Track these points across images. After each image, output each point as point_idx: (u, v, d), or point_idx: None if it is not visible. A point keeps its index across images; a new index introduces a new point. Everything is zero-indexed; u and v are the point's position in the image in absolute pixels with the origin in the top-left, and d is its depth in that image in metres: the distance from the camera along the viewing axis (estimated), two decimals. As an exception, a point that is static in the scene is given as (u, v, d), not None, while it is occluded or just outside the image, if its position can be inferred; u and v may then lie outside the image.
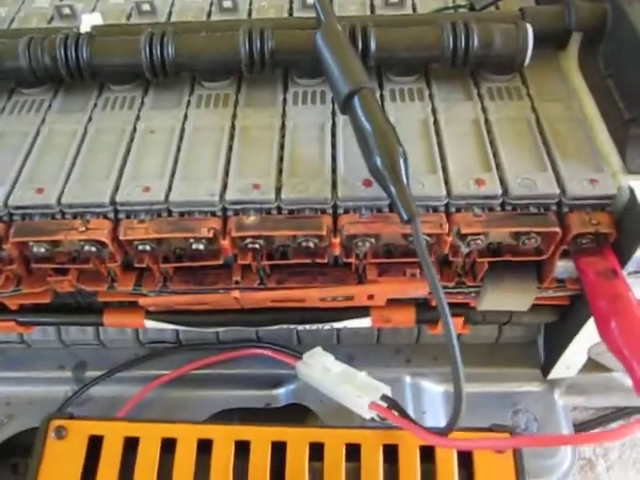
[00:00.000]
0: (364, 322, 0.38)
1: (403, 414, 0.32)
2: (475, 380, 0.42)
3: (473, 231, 0.31)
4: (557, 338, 0.40)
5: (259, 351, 0.41)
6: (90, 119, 0.37)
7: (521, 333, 0.43)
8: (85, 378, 0.44)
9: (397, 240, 0.33)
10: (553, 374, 0.42)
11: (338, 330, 0.42)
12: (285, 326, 0.39)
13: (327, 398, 0.41)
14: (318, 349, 0.38)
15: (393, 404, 0.33)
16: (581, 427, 0.44)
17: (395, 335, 0.43)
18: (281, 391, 0.43)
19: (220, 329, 0.39)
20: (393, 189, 0.29)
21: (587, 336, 0.37)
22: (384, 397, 0.34)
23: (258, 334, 0.43)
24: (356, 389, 0.34)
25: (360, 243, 0.32)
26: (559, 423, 0.43)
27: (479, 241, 0.31)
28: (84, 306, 0.40)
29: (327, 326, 0.38)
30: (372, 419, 0.35)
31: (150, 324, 0.39)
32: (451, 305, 0.38)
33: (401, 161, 0.29)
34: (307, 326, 0.38)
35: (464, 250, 0.33)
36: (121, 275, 0.36)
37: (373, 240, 0.32)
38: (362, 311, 0.38)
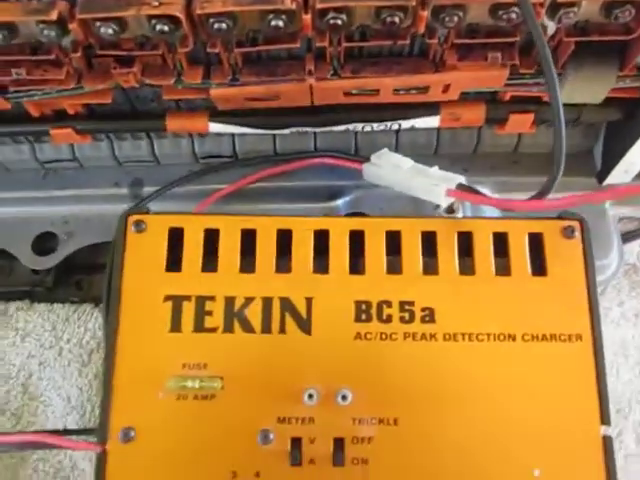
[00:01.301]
0: (433, 121, 0.38)
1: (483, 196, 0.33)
2: (530, 189, 0.43)
3: (569, -1, 0.29)
4: (619, 140, 0.40)
5: (321, 160, 0.41)
6: None
7: (578, 141, 0.43)
8: (142, 194, 0.44)
9: (484, 19, 0.31)
10: (610, 179, 0.43)
11: (397, 139, 0.42)
12: (352, 127, 0.38)
13: (387, 205, 0.42)
14: (385, 150, 0.38)
15: (471, 190, 0.33)
16: (626, 236, 0.46)
17: (453, 145, 0.43)
18: (339, 202, 0.43)
19: (286, 131, 0.38)
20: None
21: (653, 135, 0.38)
22: (460, 185, 0.34)
23: (316, 145, 0.42)
24: (432, 179, 0.34)
25: (447, 18, 0.30)
26: (609, 231, 0.44)
27: (571, 14, 0.30)
28: (142, 113, 0.39)
29: (395, 125, 0.38)
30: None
31: (214, 127, 0.38)
32: (523, 100, 0.38)
33: None
34: (375, 125, 0.38)
35: (551, 30, 0.32)
36: (188, 68, 0.34)
37: (461, 14, 0.30)
38: (431, 109, 0.37)
